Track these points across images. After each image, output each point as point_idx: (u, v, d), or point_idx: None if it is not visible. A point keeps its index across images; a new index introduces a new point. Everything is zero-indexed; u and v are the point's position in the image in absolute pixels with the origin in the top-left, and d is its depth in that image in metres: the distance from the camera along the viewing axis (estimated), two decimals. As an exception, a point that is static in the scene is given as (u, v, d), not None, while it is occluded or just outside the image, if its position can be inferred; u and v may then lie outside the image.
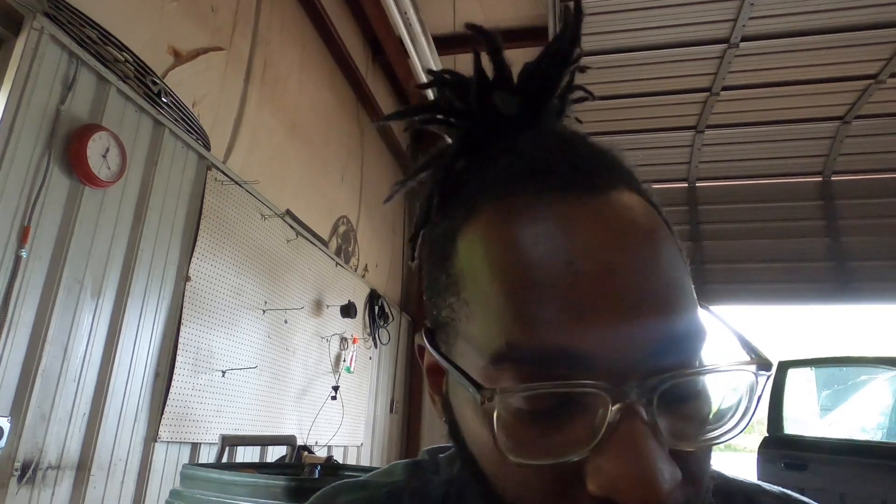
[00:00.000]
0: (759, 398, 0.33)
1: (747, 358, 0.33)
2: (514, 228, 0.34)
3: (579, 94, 0.44)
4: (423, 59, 3.36)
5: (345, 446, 3.95)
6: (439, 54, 3.58)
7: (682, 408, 0.32)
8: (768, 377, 0.33)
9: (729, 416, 0.34)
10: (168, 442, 2.24)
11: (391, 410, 4.94)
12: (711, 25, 3.99)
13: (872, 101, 4.57)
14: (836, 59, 4.15)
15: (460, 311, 0.36)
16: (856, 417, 3.53)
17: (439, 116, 0.43)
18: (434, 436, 4.99)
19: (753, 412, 0.33)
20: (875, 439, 3.14)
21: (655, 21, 3.93)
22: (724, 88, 4.55)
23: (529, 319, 0.31)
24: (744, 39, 4.06)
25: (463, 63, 4.75)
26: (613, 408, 0.30)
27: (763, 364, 0.32)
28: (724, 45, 4.12)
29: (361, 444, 4.21)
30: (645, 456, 0.29)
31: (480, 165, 0.40)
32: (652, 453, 0.29)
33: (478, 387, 0.32)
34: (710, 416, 0.34)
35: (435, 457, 0.51)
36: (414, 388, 5.26)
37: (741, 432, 0.33)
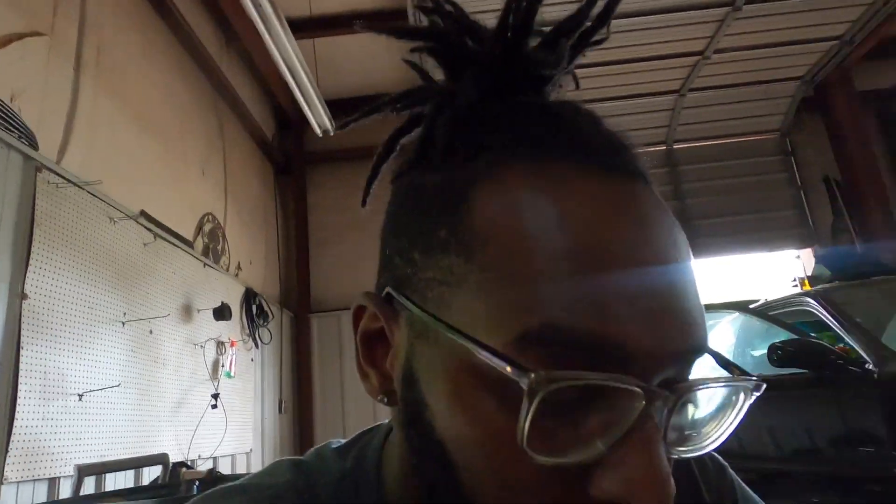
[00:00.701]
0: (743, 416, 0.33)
1: (740, 375, 0.33)
2: (560, 197, 0.31)
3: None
4: (279, 45, 3.21)
5: (232, 455, 3.75)
6: (296, 38, 3.43)
7: (676, 416, 0.31)
8: (756, 398, 0.32)
9: (709, 428, 0.33)
10: (18, 482, 1.98)
11: (280, 411, 4.77)
12: (560, 6, 4.19)
13: (702, 75, 5.08)
14: (670, 38, 4.55)
15: (468, 276, 0.31)
16: (708, 358, 3.98)
17: (439, 48, 0.38)
18: (328, 431, 4.90)
19: (735, 429, 0.33)
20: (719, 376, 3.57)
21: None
22: (576, 67, 4.82)
23: (576, 301, 0.28)
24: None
25: (322, 47, 4.61)
26: (639, 408, 0.28)
27: (758, 385, 0.32)
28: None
29: (251, 451, 4.02)
30: (660, 461, 0.28)
31: (506, 114, 0.35)
32: (664, 459, 0.28)
33: (520, 368, 0.27)
34: (690, 425, 0.33)
35: (323, 452, 0.46)
36: (303, 385, 5.11)
37: (718, 447, 0.33)
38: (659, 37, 4.51)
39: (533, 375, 0.27)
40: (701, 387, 0.31)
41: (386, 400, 0.37)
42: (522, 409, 0.27)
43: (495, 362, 0.28)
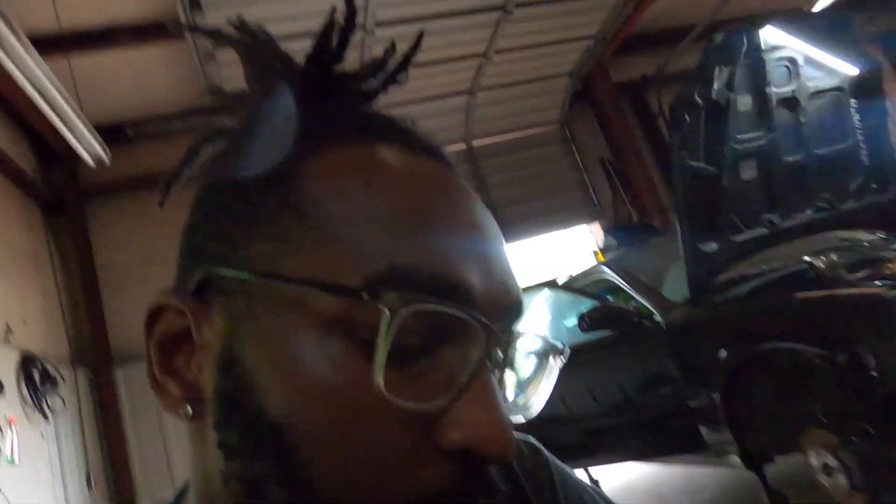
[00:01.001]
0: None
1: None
2: (391, 164, 0.33)
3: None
4: (20, 64, 2.73)
5: (31, 555, 3.14)
6: (43, 56, 2.95)
7: (502, 376, 0.33)
8: (563, 364, 0.37)
9: (528, 393, 0.36)
10: None
11: (90, 487, 4.11)
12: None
13: (488, 75, 5.46)
14: (452, 41, 4.80)
15: (304, 236, 0.31)
16: (532, 330, 4.29)
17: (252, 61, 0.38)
18: (154, 496, 4.34)
19: (552, 393, 0.36)
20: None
21: (281, 9, 3.91)
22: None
23: (421, 247, 0.30)
24: (378, 25, 4.37)
25: (84, 65, 4.04)
26: (479, 353, 0.29)
27: (564, 352, 0.37)
28: (361, 33, 4.38)
29: (56, 543, 3.40)
30: (502, 408, 0.29)
31: (329, 111, 0.37)
32: (504, 407, 0.30)
33: (376, 294, 0.28)
34: (512, 393, 0.37)
35: None
36: (115, 451, 4.45)
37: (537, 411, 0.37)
38: (443, 40, 4.75)
39: (393, 294, 0.28)
40: (524, 335, 0.35)
41: (190, 411, 0.33)
42: (379, 341, 0.27)
43: (347, 300, 0.28)
